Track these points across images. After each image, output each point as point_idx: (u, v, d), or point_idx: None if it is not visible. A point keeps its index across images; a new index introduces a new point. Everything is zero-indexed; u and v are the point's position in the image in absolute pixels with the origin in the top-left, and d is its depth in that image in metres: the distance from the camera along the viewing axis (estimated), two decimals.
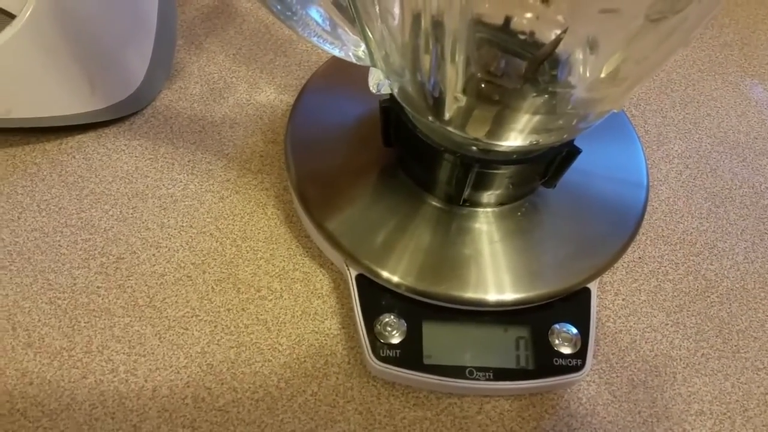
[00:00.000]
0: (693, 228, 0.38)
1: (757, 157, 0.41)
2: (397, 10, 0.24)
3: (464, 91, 0.26)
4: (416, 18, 0.24)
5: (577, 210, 0.34)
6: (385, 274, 0.31)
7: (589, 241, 0.32)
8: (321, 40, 0.27)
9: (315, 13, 0.26)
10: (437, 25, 0.23)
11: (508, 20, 0.25)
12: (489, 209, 0.33)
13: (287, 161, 0.34)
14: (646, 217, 0.34)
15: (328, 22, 0.27)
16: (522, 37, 0.25)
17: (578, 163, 0.30)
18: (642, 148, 0.36)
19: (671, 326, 0.34)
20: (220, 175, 0.38)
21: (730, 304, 0.35)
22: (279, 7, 0.26)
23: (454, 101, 0.26)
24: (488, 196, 0.32)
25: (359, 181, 0.34)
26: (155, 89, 0.41)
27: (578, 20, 0.23)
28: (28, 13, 0.31)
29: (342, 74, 0.38)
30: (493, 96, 0.27)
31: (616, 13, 0.21)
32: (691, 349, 0.33)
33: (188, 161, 0.38)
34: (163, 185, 0.37)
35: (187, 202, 0.36)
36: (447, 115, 0.27)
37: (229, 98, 0.41)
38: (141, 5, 0.37)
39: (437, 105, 0.27)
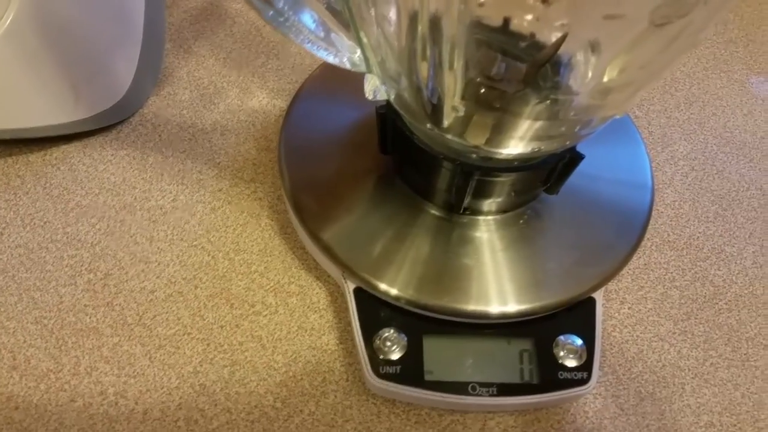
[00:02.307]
0: (700, 232, 0.37)
1: (765, 157, 0.40)
2: (393, 15, 0.23)
3: (463, 98, 0.25)
4: (413, 22, 0.23)
5: (581, 215, 0.33)
6: (383, 286, 0.30)
7: (595, 248, 0.31)
8: (315, 47, 0.26)
9: (308, 19, 0.25)
10: (434, 29, 0.22)
11: (507, 22, 0.24)
12: (490, 217, 0.32)
13: (281, 169, 0.33)
14: (651, 221, 0.33)
15: (321, 28, 0.26)
16: (522, 39, 0.24)
17: (581, 166, 0.29)
18: (646, 148, 0.35)
19: (679, 335, 0.33)
20: (212, 185, 0.36)
21: (739, 311, 0.34)
22: (271, 12, 0.25)
23: (453, 111, 0.25)
24: (489, 203, 0.31)
25: (356, 189, 0.33)
26: (143, 96, 0.39)
27: (580, 25, 0.22)
28: (9, 20, 0.30)
29: (337, 78, 0.37)
30: (493, 102, 0.26)
31: (621, 19, 0.20)
32: (700, 358, 0.32)
33: (178, 171, 0.37)
34: (152, 197, 0.36)
35: (177, 214, 0.35)
36: (445, 123, 0.26)
37: (220, 104, 0.40)
38: (127, 8, 0.36)
39: (435, 112, 0.26)
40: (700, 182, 0.39)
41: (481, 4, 0.21)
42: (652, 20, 0.20)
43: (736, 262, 0.35)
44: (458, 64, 0.23)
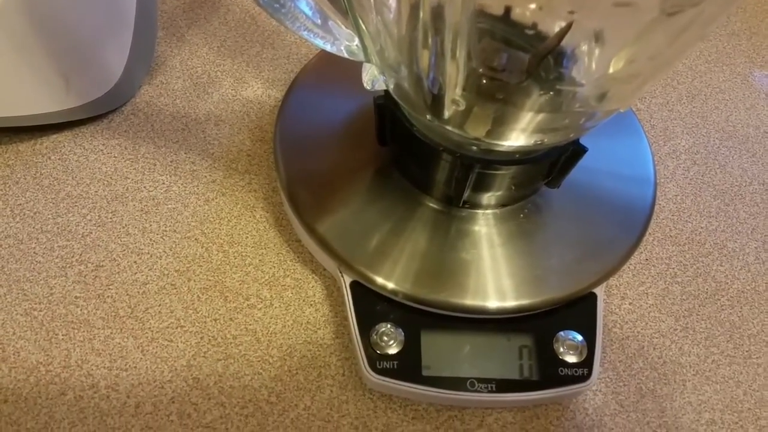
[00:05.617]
0: (702, 227, 0.36)
1: (767, 152, 0.40)
2: (393, 1, 0.22)
3: (464, 89, 0.24)
4: (414, 9, 0.22)
5: (581, 210, 0.32)
6: (380, 280, 0.29)
7: (596, 243, 0.31)
8: (311, 34, 0.25)
9: (304, 5, 0.24)
10: (437, 17, 0.21)
11: (510, 11, 0.23)
12: (489, 211, 0.31)
13: (276, 161, 0.33)
14: (652, 216, 0.32)
15: (318, 15, 0.25)
16: (526, 29, 0.24)
17: (582, 160, 0.28)
18: (648, 142, 0.35)
19: (680, 331, 0.32)
20: (205, 176, 0.36)
21: (741, 308, 0.33)
22: None
23: (453, 104, 0.24)
24: (489, 197, 0.31)
25: (352, 181, 0.32)
26: (135, 85, 0.39)
27: (588, 13, 0.21)
28: None
29: (334, 68, 0.36)
30: (495, 93, 0.25)
31: (631, 7, 0.20)
32: (701, 355, 0.32)
33: (171, 161, 0.36)
34: (145, 187, 0.35)
35: (170, 206, 0.34)
36: (446, 114, 0.25)
37: (214, 94, 0.39)
38: None
39: (435, 103, 0.25)
40: (702, 177, 0.38)
41: None
42: (663, 9, 0.19)
43: (738, 258, 0.35)
44: (461, 54, 0.22)
